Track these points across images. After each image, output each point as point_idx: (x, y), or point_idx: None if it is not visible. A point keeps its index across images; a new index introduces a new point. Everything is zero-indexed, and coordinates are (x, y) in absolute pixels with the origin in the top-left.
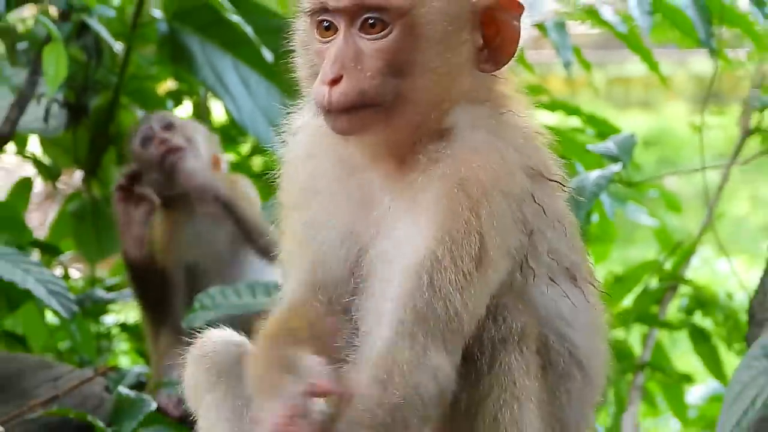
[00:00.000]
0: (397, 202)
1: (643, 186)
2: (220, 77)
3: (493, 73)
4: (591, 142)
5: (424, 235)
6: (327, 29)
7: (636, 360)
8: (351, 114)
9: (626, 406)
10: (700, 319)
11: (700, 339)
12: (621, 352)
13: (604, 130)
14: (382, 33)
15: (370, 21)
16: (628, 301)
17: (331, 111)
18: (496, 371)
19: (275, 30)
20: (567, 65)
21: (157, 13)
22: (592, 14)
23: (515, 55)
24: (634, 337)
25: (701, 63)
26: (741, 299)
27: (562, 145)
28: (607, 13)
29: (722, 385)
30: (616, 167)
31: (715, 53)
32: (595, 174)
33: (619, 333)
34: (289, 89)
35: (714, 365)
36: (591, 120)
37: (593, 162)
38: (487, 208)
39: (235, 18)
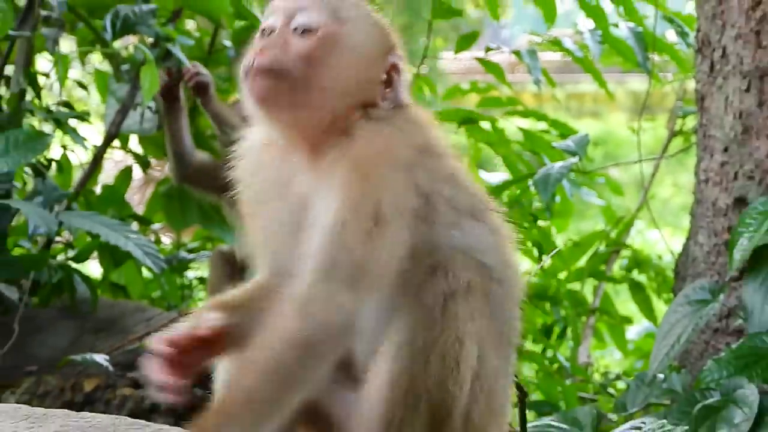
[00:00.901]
0: (318, 187)
1: (593, 174)
2: None
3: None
4: (554, 140)
5: (334, 206)
6: (263, 32)
7: (588, 306)
8: (266, 78)
9: (581, 341)
10: (637, 275)
11: (637, 290)
12: (577, 300)
13: (565, 132)
14: (309, 36)
15: (304, 26)
16: (582, 261)
17: (250, 72)
18: (446, 317)
19: None
20: (537, 83)
21: (227, 42)
22: (556, 44)
23: (399, 100)
24: (587, 288)
25: (637, 82)
26: (668, 260)
27: (533, 142)
28: (568, 43)
29: (654, 325)
30: (573, 160)
31: (649, 73)
32: (558, 165)
33: (575, 286)
34: None
35: (647, 310)
36: (554, 124)
37: (556, 156)
38: (379, 179)
39: None
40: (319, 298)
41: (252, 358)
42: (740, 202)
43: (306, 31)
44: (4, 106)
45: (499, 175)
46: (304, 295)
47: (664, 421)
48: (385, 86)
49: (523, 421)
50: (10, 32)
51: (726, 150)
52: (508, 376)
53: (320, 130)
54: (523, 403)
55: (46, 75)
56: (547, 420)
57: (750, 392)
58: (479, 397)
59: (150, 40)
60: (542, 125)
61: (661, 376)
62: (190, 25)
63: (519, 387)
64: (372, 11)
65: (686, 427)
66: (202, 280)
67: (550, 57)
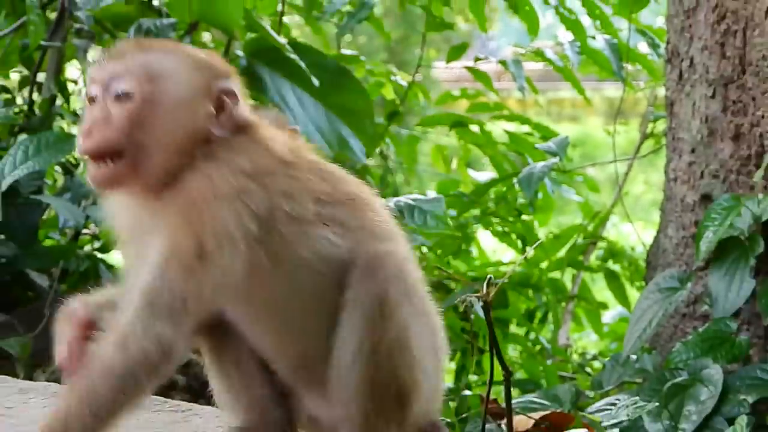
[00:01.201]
0: (153, 227)
1: (572, 173)
2: (283, 97)
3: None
4: (537, 142)
5: (160, 245)
6: (91, 100)
7: (568, 293)
8: (99, 161)
9: (561, 324)
10: (611, 264)
11: (612, 279)
12: (557, 288)
13: (546, 134)
14: (126, 101)
15: (119, 91)
16: (562, 252)
17: (86, 156)
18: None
19: (319, 64)
20: (521, 90)
21: (239, 52)
22: (539, 54)
23: (234, 125)
24: (566, 277)
25: (612, 89)
26: (640, 251)
27: (517, 144)
28: (549, 53)
29: (627, 311)
30: (554, 160)
31: (623, 81)
32: (540, 164)
33: (556, 274)
34: (328, 104)
35: (621, 297)
36: (537, 127)
37: (539, 156)
38: (199, 217)
39: (293, 56)
40: (138, 331)
41: (74, 384)
42: (706, 198)
43: (124, 96)
44: (37, 111)
45: (486, 174)
46: (125, 327)
47: (637, 398)
48: (217, 114)
49: (508, 397)
50: (42, 43)
51: (693, 151)
52: (438, 349)
53: (160, 183)
54: (508, 381)
55: (75, 82)
56: (530, 396)
57: (715, 372)
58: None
59: None
60: (526, 128)
61: (634, 356)
62: (205, 36)
63: (504, 366)
64: (186, 50)
65: (657, 404)
66: None
67: (532, 66)
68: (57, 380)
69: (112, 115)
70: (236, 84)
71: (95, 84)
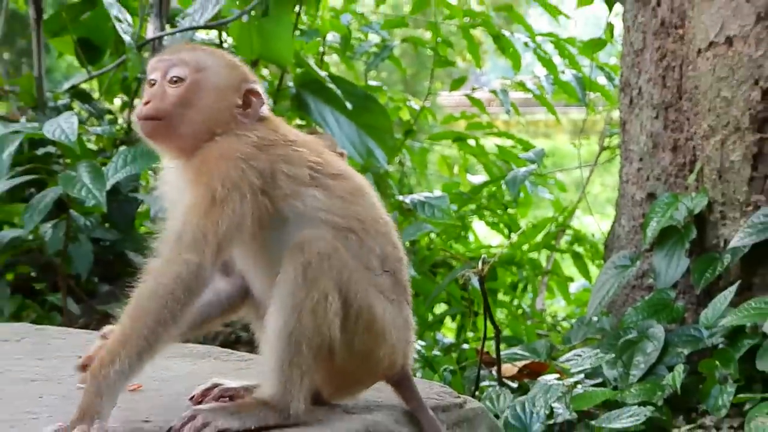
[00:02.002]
0: (183, 188)
1: (546, 177)
2: (324, 118)
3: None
4: (519, 153)
5: (186, 196)
6: (151, 84)
7: (543, 269)
8: (151, 124)
9: (538, 293)
10: (577, 247)
11: (577, 258)
12: (535, 265)
13: (526, 147)
14: (179, 84)
15: (174, 76)
16: (539, 238)
17: (139, 118)
18: (307, 281)
19: (351, 92)
20: (508, 112)
21: (290, 83)
22: (521, 85)
23: (256, 117)
24: (542, 257)
25: (576, 112)
26: (598, 237)
27: (504, 154)
28: (529, 84)
29: (589, 283)
30: (533, 167)
31: (586, 106)
32: (522, 170)
33: (534, 255)
34: (358, 123)
35: (584, 272)
36: (519, 142)
37: (521, 163)
38: (213, 170)
39: (332, 86)
40: (171, 259)
41: (127, 308)
42: (651, 196)
43: (177, 80)
44: (133, 128)
45: (480, 177)
46: (161, 260)
47: (598, 350)
48: (244, 108)
49: (498, 350)
50: (138, 75)
51: (641, 160)
52: (388, 297)
53: (192, 148)
54: (498, 337)
55: None
56: (514, 349)
57: (658, 330)
58: (358, 328)
59: None
60: (510, 142)
61: (595, 318)
62: (264, 71)
63: (495, 326)
64: (226, 56)
65: (613, 355)
66: None
67: (515, 95)
68: None
69: (167, 93)
70: (261, 88)
71: (156, 71)
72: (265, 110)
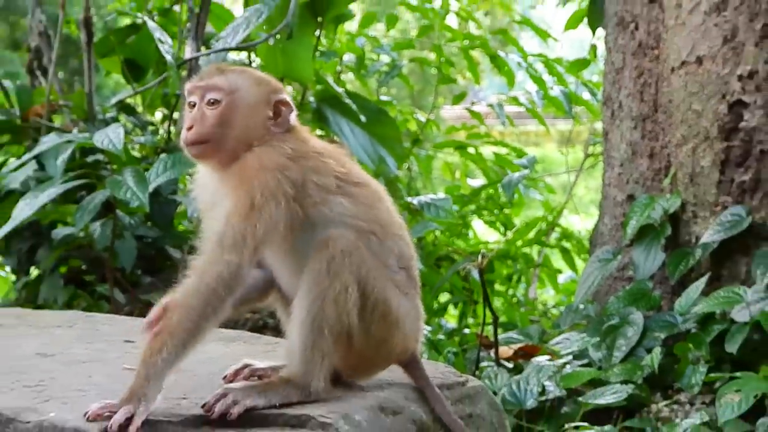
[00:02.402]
0: (222, 195)
1: (536, 181)
2: (340, 129)
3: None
4: (514, 159)
5: (226, 203)
6: (191, 106)
7: (535, 262)
8: (196, 147)
9: (530, 284)
10: (564, 243)
11: (565, 252)
12: (527, 259)
13: (520, 154)
14: (216, 105)
15: (211, 99)
16: (531, 234)
17: (186, 144)
18: (330, 274)
19: (365, 106)
20: (503, 124)
21: (311, 99)
22: (515, 100)
23: (288, 126)
24: (534, 251)
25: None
26: (584, 234)
27: (500, 161)
28: (522, 99)
29: (575, 274)
30: (526, 171)
31: (573, 118)
32: (516, 174)
33: (527, 250)
34: (371, 133)
35: (571, 265)
36: (514, 149)
37: (515, 169)
38: (252, 180)
39: (348, 101)
40: (213, 260)
41: (175, 302)
42: (630, 197)
43: (214, 102)
44: (173, 138)
45: (479, 181)
46: (204, 260)
47: (584, 334)
48: (275, 118)
49: (495, 334)
50: (177, 91)
51: (621, 165)
52: (403, 291)
53: (232, 159)
54: (495, 323)
55: None
56: (510, 334)
57: (637, 317)
58: (374, 318)
59: None
60: (505, 150)
61: (582, 306)
62: (288, 88)
63: (493, 313)
64: (254, 74)
65: (597, 339)
66: None
67: (509, 108)
68: None
69: (206, 115)
70: (288, 97)
71: (194, 94)
72: (294, 119)
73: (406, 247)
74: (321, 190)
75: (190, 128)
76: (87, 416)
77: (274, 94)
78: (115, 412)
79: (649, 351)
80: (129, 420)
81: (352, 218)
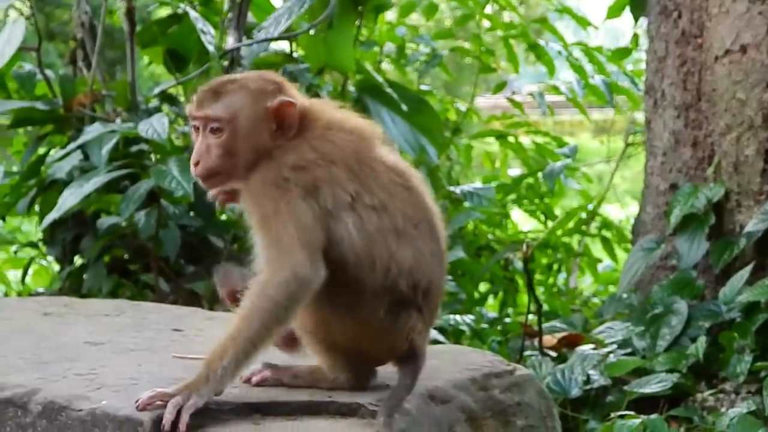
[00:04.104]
0: (248, 202)
1: (575, 170)
2: (381, 119)
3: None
4: (554, 148)
5: (252, 212)
6: (196, 129)
7: (575, 252)
8: (208, 180)
9: (571, 273)
10: (605, 232)
11: (605, 242)
12: (568, 248)
13: (560, 143)
14: (219, 134)
15: (213, 127)
16: (571, 224)
17: (198, 178)
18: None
19: (406, 96)
20: (544, 113)
21: (352, 88)
22: (556, 89)
23: (295, 125)
24: (574, 241)
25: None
26: (623, 224)
27: (539, 150)
28: (562, 88)
29: (614, 264)
30: (568, 161)
31: (614, 107)
32: (558, 164)
33: (567, 239)
34: (412, 123)
35: (611, 254)
36: (555, 139)
37: (556, 158)
38: (262, 195)
39: (388, 90)
40: (270, 271)
41: (239, 310)
42: (673, 187)
43: (216, 130)
44: None
45: (517, 170)
46: (264, 270)
47: (628, 323)
48: (282, 124)
49: (539, 323)
50: None
51: (664, 154)
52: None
53: (246, 177)
54: (539, 312)
55: None
56: (553, 323)
57: (681, 306)
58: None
59: (304, 87)
60: (542, 140)
61: (625, 295)
62: (329, 77)
63: (537, 302)
64: (250, 86)
65: (642, 328)
66: None
67: (552, 98)
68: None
69: (210, 147)
70: (285, 91)
71: (198, 122)
72: (304, 106)
73: (417, 262)
74: (333, 201)
75: (197, 164)
76: (137, 405)
77: (273, 99)
78: (166, 402)
79: (693, 340)
80: (179, 411)
81: (359, 240)
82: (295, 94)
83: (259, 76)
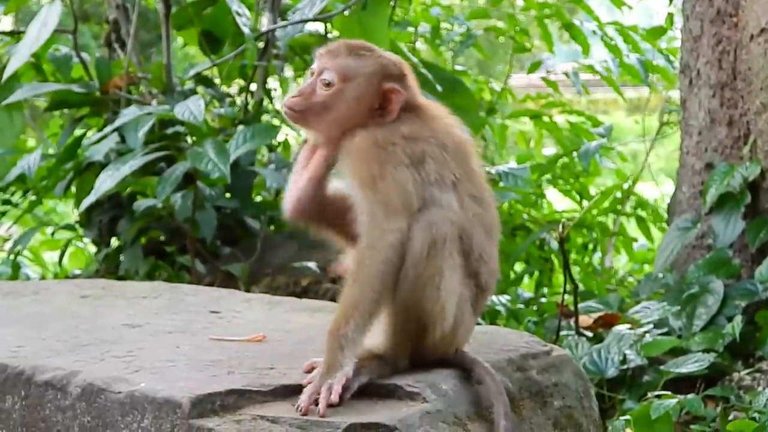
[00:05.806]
0: (351, 161)
1: (609, 149)
2: None
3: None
4: (589, 128)
5: (352, 182)
6: (311, 73)
7: (610, 231)
8: (292, 114)
9: (606, 252)
10: (640, 211)
11: (641, 221)
12: (603, 228)
13: (594, 123)
14: (328, 87)
15: (326, 80)
16: (606, 203)
17: (285, 107)
18: (429, 258)
19: (440, 76)
20: (579, 93)
21: None
22: (591, 68)
23: (395, 114)
24: (609, 220)
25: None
26: (661, 203)
27: (574, 129)
28: (598, 67)
29: (650, 243)
30: (603, 140)
31: (649, 86)
32: (593, 143)
33: (603, 218)
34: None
35: (646, 233)
36: (590, 118)
37: (591, 137)
38: (367, 156)
39: (423, 70)
40: (377, 233)
41: (353, 277)
42: (709, 166)
43: (327, 84)
44: (250, 109)
45: (552, 150)
46: (369, 233)
47: (664, 303)
48: (386, 107)
49: (575, 303)
50: (255, 63)
51: (700, 133)
52: (468, 300)
53: (333, 137)
54: (575, 292)
55: (275, 90)
56: (589, 302)
57: (717, 285)
58: (449, 315)
59: None
60: (581, 119)
61: (661, 275)
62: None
63: (573, 282)
64: (375, 60)
65: (678, 308)
66: None
67: (586, 77)
68: (267, 293)
69: (315, 93)
70: (404, 81)
71: (317, 62)
72: (413, 99)
73: (494, 263)
74: (437, 175)
75: (295, 96)
76: (299, 409)
77: (387, 81)
78: (319, 392)
79: (729, 319)
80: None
81: (457, 218)
82: (413, 87)
83: (391, 58)
